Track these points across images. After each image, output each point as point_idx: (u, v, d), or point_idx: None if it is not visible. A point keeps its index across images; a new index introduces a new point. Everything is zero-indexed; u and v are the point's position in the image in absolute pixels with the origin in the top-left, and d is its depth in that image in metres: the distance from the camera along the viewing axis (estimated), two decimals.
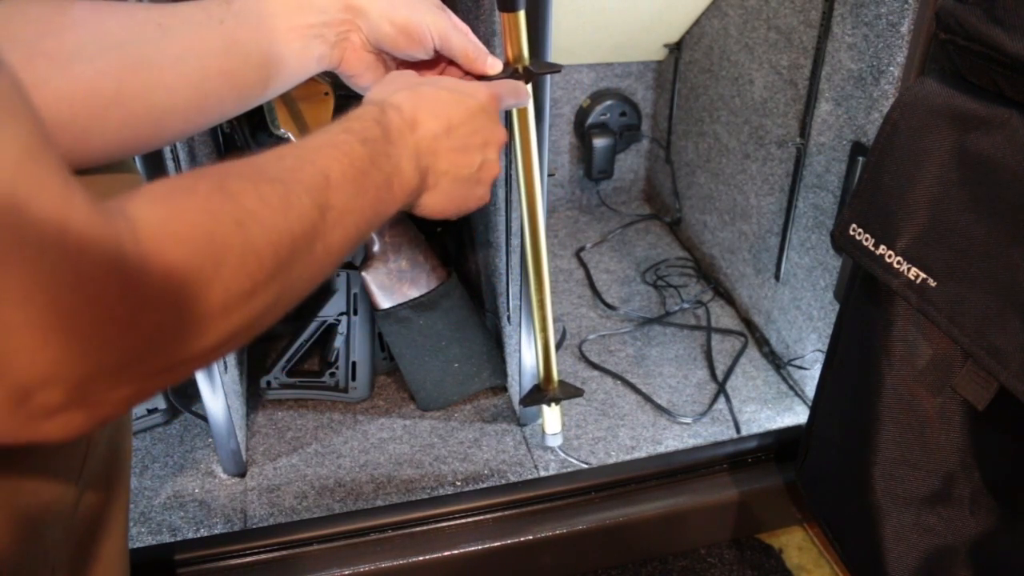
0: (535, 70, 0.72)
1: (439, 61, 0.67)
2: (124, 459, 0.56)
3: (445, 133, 0.56)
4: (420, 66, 0.66)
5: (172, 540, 0.99)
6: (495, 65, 0.68)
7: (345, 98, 1.18)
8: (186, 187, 0.38)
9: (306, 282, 0.44)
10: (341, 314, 1.19)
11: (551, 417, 1.00)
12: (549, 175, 1.15)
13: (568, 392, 0.96)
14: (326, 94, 1.08)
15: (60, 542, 0.48)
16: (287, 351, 1.19)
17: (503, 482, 1.08)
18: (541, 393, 0.95)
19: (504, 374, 1.23)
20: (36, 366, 0.30)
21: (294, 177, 0.43)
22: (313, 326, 1.18)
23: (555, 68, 0.74)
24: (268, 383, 1.19)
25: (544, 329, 0.89)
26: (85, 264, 0.30)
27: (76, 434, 0.33)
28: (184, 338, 0.36)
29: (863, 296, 0.83)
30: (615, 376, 1.27)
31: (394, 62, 0.66)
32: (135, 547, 0.97)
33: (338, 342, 1.19)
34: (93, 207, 0.31)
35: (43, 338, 0.30)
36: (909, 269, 0.73)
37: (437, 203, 0.58)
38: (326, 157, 0.46)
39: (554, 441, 1.03)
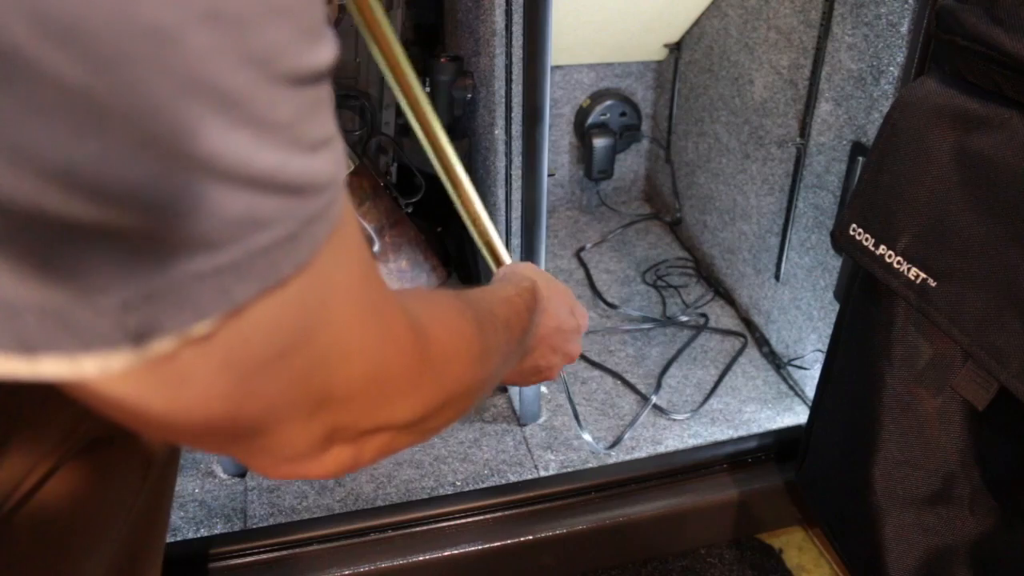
0: None
1: None
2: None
3: (554, 331, 0.62)
4: None
5: (172, 540, 0.99)
6: None
7: (344, 97, 1.18)
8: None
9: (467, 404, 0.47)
10: None
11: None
12: (549, 175, 1.15)
13: None
14: None
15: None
16: None
17: (503, 482, 1.08)
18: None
19: None
20: (370, 415, 0.34)
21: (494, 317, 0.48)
22: None
23: None
24: None
25: (475, 222, 0.78)
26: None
27: (342, 471, 0.36)
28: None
29: (863, 296, 0.83)
30: (615, 375, 1.27)
31: None
32: None
33: None
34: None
35: (383, 393, 0.34)
36: (909, 269, 0.73)
37: (508, 376, 0.62)
38: (505, 310, 0.51)
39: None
